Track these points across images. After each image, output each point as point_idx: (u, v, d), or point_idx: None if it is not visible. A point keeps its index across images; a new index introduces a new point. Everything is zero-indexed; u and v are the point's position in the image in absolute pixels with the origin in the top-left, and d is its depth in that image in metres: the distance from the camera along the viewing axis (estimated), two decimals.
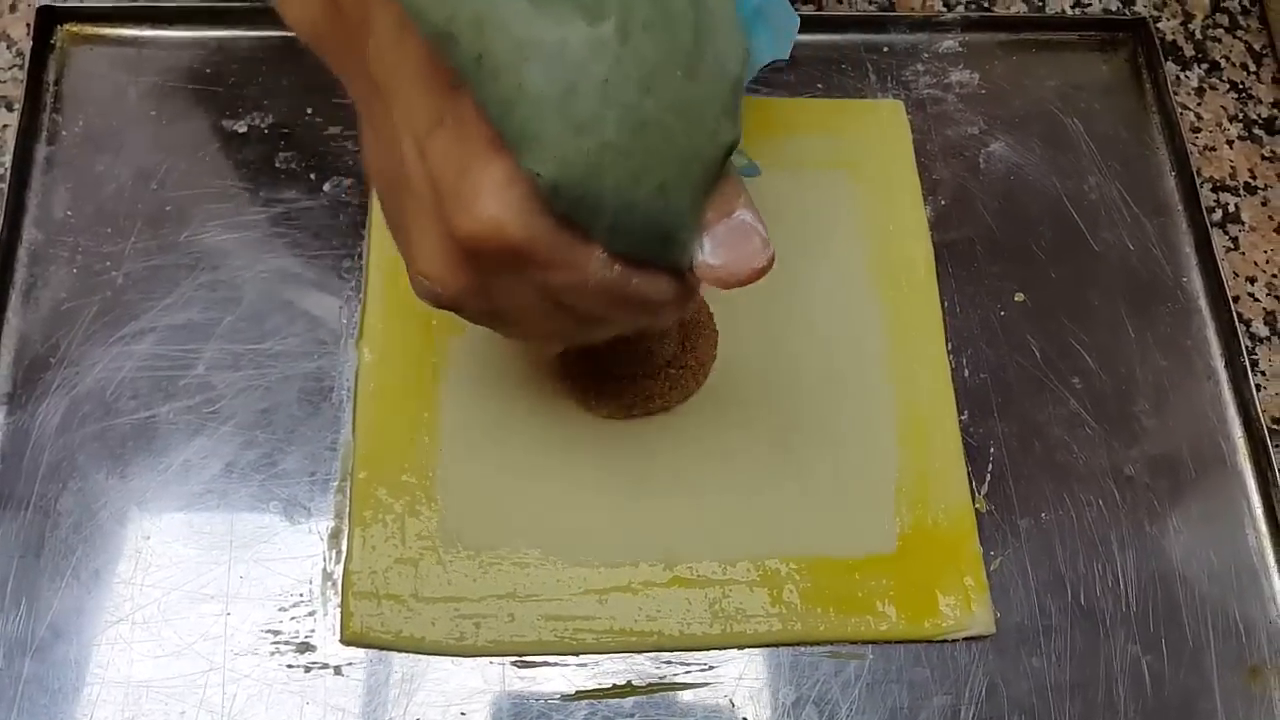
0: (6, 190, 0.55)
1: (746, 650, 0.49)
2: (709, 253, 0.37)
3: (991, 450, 0.54)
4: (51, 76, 0.59)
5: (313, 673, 0.48)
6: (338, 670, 0.48)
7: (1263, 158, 0.64)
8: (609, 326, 0.41)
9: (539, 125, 0.33)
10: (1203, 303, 0.58)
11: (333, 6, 0.39)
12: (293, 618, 0.49)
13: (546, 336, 0.44)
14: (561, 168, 0.33)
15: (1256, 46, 0.67)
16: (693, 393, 0.53)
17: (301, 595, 0.49)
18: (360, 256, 0.55)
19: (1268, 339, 0.59)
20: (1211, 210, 0.62)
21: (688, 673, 0.49)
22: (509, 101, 0.33)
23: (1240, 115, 0.65)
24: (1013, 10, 0.67)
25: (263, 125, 0.58)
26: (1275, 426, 0.57)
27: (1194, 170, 0.61)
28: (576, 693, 0.48)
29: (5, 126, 0.58)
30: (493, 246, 0.35)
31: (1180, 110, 0.64)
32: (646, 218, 0.35)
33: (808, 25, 0.63)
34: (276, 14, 0.43)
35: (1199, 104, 0.65)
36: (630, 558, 0.50)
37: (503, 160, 0.34)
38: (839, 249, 0.57)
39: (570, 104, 0.33)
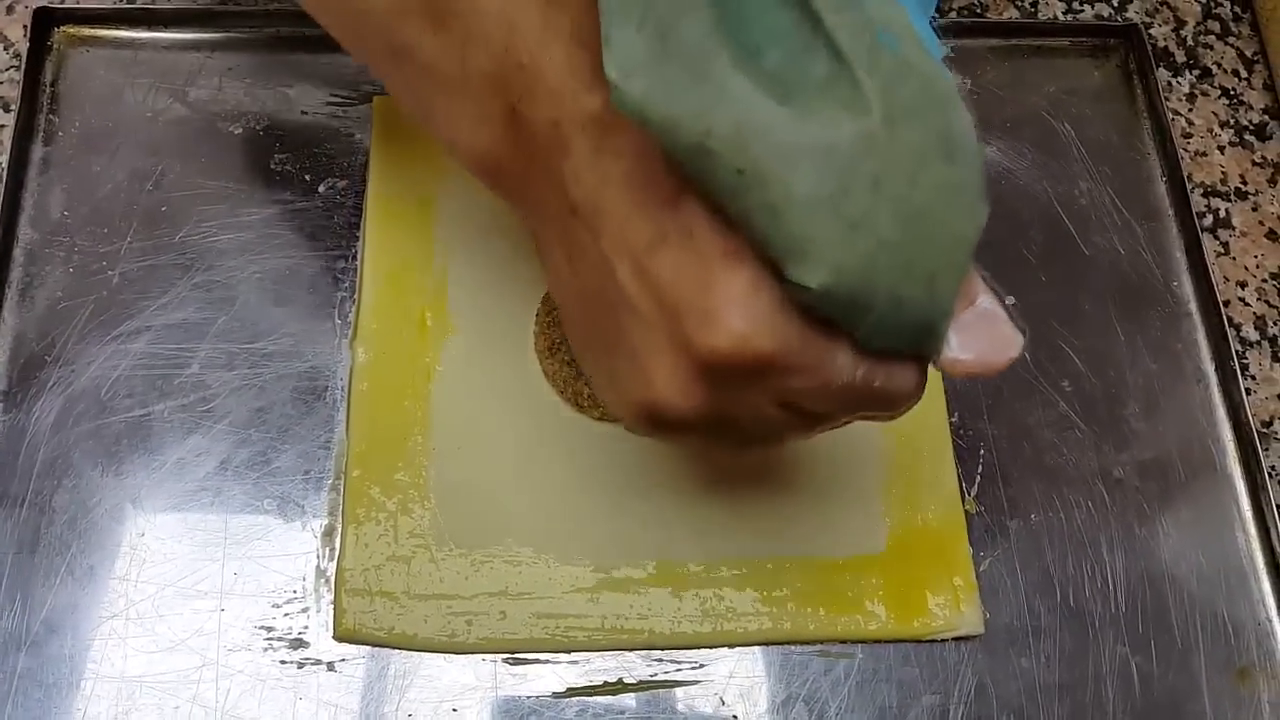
0: (3, 190, 0.55)
1: (737, 649, 0.49)
2: (957, 346, 0.35)
3: (981, 452, 0.54)
4: (48, 77, 0.59)
5: (306, 669, 0.48)
6: (331, 666, 0.48)
7: (1253, 163, 0.64)
8: (836, 424, 0.39)
9: (812, 230, 0.32)
10: (1193, 307, 0.59)
11: (512, 132, 0.38)
12: (286, 614, 0.49)
13: (770, 443, 0.41)
14: (836, 272, 0.32)
15: (1248, 53, 0.68)
16: None
17: (295, 592, 0.49)
18: (354, 257, 0.55)
19: (1257, 343, 0.59)
20: (1202, 215, 0.62)
21: (678, 671, 0.49)
22: (777, 209, 0.32)
23: (1231, 121, 0.65)
24: (1005, 16, 0.67)
25: (258, 127, 0.58)
26: (1264, 430, 0.57)
27: (1185, 175, 0.61)
28: (568, 690, 0.48)
29: (2, 127, 0.58)
30: (741, 360, 0.34)
31: (1171, 116, 0.64)
32: (914, 312, 0.34)
33: None
34: (446, 146, 0.42)
35: (1190, 109, 0.65)
36: (621, 556, 0.50)
37: (744, 270, 0.33)
38: None
39: (843, 205, 0.32)
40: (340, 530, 0.50)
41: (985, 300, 0.36)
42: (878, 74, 0.32)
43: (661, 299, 0.34)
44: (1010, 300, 0.57)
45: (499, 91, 0.38)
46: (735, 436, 0.39)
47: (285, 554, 0.50)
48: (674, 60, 0.32)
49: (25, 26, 0.59)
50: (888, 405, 0.37)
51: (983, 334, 0.36)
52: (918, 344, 0.35)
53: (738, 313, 0.33)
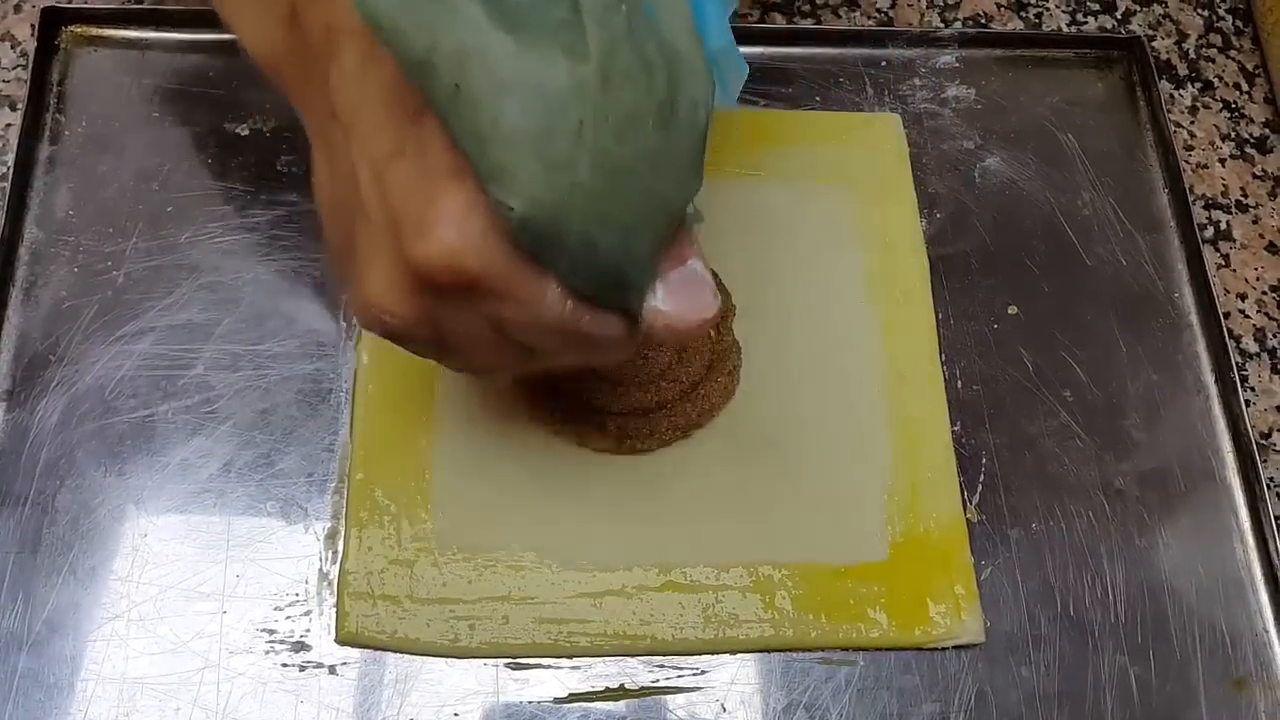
0: (9, 189, 0.55)
1: (738, 655, 0.50)
2: (660, 299, 0.38)
3: (983, 461, 0.54)
4: (55, 77, 0.59)
5: (307, 672, 0.48)
6: (332, 670, 0.48)
7: (1254, 176, 0.65)
8: (554, 360, 0.41)
9: (513, 161, 0.34)
10: (1194, 318, 0.59)
11: (294, 32, 0.39)
12: (288, 617, 0.49)
13: (490, 369, 0.44)
14: (531, 204, 0.34)
15: (1249, 66, 0.68)
16: (688, 433, 0.53)
17: (297, 595, 0.49)
18: None
19: (1257, 355, 0.59)
20: (1203, 227, 0.62)
21: (680, 677, 0.49)
22: (484, 136, 0.33)
23: (1233, 134, 0.66)
24: (1009, 27, 0.67)
25: (264, 129, 0.58)
26: (1264, 442, 0.57)
27: (1186, 187, 0.61)
28: (569, 695, 0.48)
29: (9, 126, 0.58)
30: (448, 274, 0.35)
31: (1174, 128, 0.64)
32: (607, 260, 0.36)
33: (807, 39, 0.64)
34: (232, 33, 0.43)
35: (1192, 122, 0.66)
36: (624, 562, 0.50)
37: (464, 190, 0.35)
38: (835, 260, 0.58)
39: (545, 143, 0.33)
40: (343, 533, 0.50)
41: (695, 263, 0.38)
42: (606, 29, 0.34)
43: (390, 207, 0.35)
44: (1012, 310, 0.58)
45: None
46: (458, 356, 0.40)
47: (288, 556, 0.50)
48: None
49: (33, 26, 0.60)
50: (596, 348, 0.39)
51: (685, 293, 0.38)
52: (617, 294, 0.37)
53: (450, 228, 0.34)
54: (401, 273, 0.36)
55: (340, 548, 0.50)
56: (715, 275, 0.53)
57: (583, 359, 0.41)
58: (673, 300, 0.38)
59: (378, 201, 0.36)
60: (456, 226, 0.34)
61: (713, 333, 0.55)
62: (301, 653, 0.48)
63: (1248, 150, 0.65)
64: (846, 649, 0.50)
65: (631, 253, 0.36)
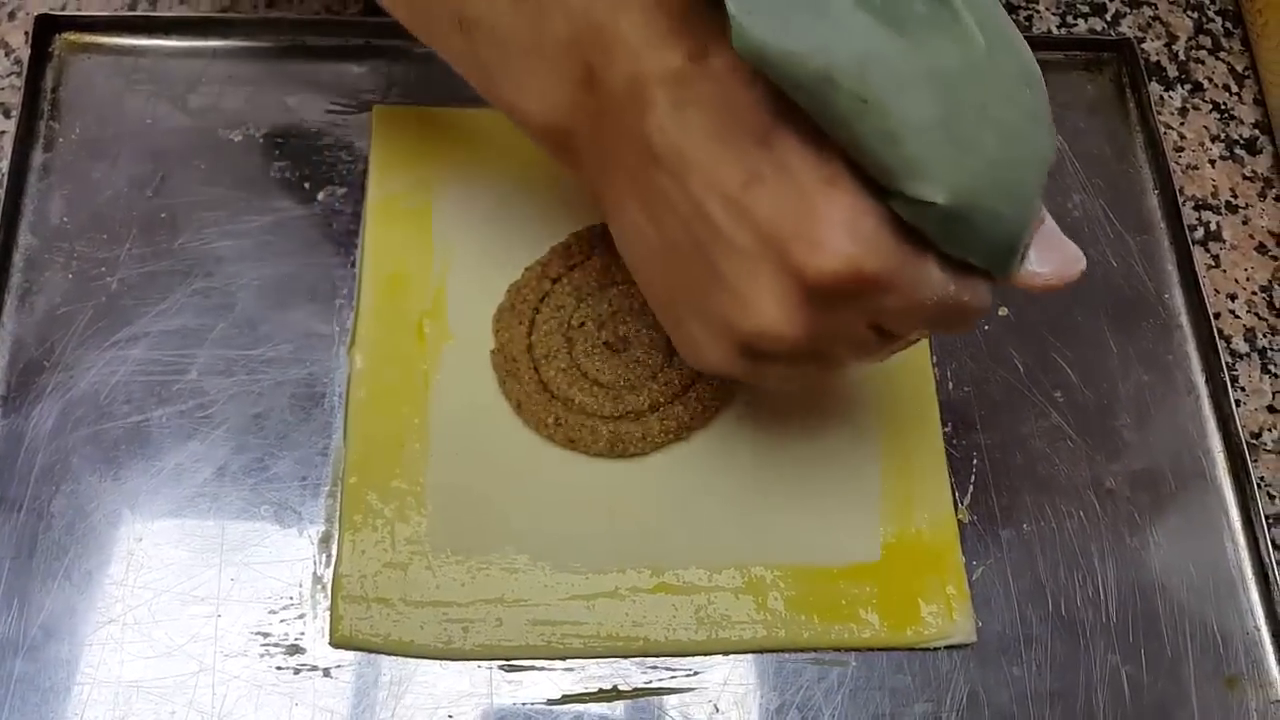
0: (3, 196, 0.55)
1: (731, 656, 0.50)
2: (1035, 260, 0.39)
3: (974, 462, 0.55)
4: (49, 84, 0.59)
5: (302, 674, 0.48)
6: (327, 672, 0.48)
7: (1244, 177, 0.65)
8: (908, 341, 0.42)
9: (929, 153, 0.34)
10: (1184, 319, 0.59)
11: (589, 93, 0.40)
12: (283, 620, 0.49)
13: (842, 365, 0.43)
14: (952, 192, 0.35)
15: (1239, 68, 0.68)
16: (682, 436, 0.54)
17: (291, 598, 0.49)
18: (353, 265, 0.56)
19: (1247, 355, 0.60)
20: (1193, 228, 0.62)
21: (673, 678, 0.49)
22: (897, 136, 0.34)
23: (1222, 135, 0.66)
24: None
25: (257, 135, 0.59)
26: (1254, 441, 0.57)
27: (1176, 188, 0.62)
28: (563, 697, 0.49)
29: (3, 133, 0.58)
30: (850, 280, 0.36)
31: (1163, 129, 0.65)
32: (1011, 229, 0.37)
33: None
34: (511, 114, 0.43)
35: (1182, 123, 0.66)
36: (617, 564, 0.50)
37: (846, 196, 0.35)
38: None
39: (954, 127, 0.34)
40: (337, 537, 0.50)
41: (1049, 220, 0.39)
42: (973, 8, 0.35)
43: (762, 231, 0.36)
44: (1003, 311, 0.58)
45: (576, 54, 0.40)
46: (820, 363, 0.41)
47: (282, 560, 0.50)
48: None
49: (27, 33, 0.60)
50: (964, 319, 0.39)
51: (1055, 250, 0.39)
52: (1003, 259, 0.38)
53: (845, 235, 0.35)
54: (796, 290, 0.37)
55: (334, 551, 0.50)
56: None
57: (939, 332, 0.42)
58: (1046, 259, 0.39)
59: (745, 228, 0.37)
60: (849, 232, 0.35)
61: None
62: (296, 656, 0.48)
63: (1237, 151, 0.65)
64: (839, 649, 0.50)
65: (1024, 215, 0.37)
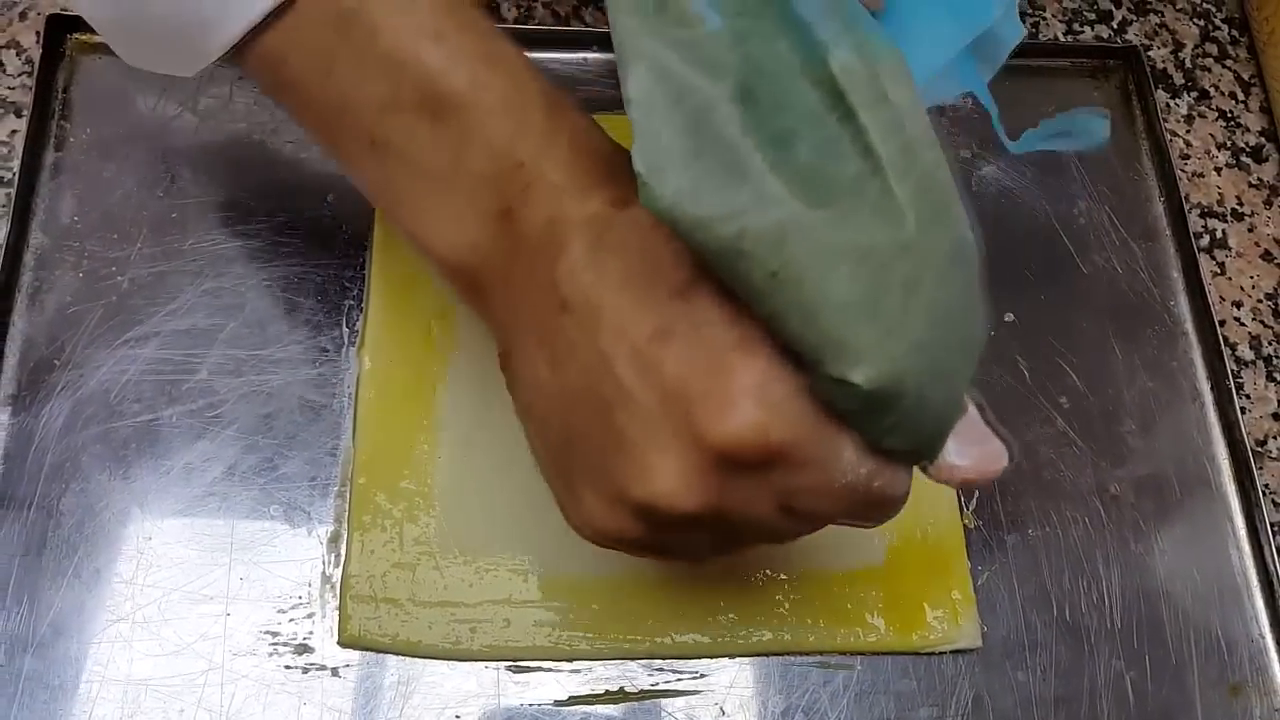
0: (14, 195, 0.55)
1: (737, 659, 0.50)
2: (955, 452, 0.36)
3: None
4: (60, 84, 0.59)
5: (310, 674, 0.48)
6: (335, 672, 0.48)
7: (1250, 185, 0.65)
8: (818, 528, 0.38)
9: (848, 332, 0.32)
10: (1189, 326, 0.59)
11: (504, 230, 0.38)
12: (291, 620, 0.49)
13: (747, 545, 0.41)
14: (876, 375, 0.32)
15: (1245, 76, 0.68)
16: None
17: (300, 598, 0.50)
18: (362, 266, 0.56)
19: (1252, 363, 0.60)
20: (1199, 235, 0.63)
21: (679, 680, 0.49)
22: (812, 311, 0.32)
23: (1228, 143, 0.66)
24: None
25: (268, 135, 0.59)
26: (1258, 449, 0.57)
27: (1182, 196, 0.62)
28: (570, 698, 0.49)
29: (14, 133, 0.59)
30: (757, 449, 0.33)
31: (1170, 137, 0.65)
32: (932, 413, 0.35)
33: None
34: (416, 239, 0.40)
35: (1188, 131, 0.66)
36: (626, 566, 0.50)
37: (758, 360, 0.33)
38: None
39: (879, 307, 0.32)
40: (346, 537, 0.50)
41: (973, 409, 0.37)
42: (909, 179, 0.32)
43: (668, 390, 0.33)
44: (1009, 316, 0.58)
45: (494, 190, 0.38)
46: (718, 540, 0.38)
47: (291, 560, 0.50)
48: (707, 157, 0.32)
49: (38, 33, 0.60)
50: (879, 509, 0.37)
51: (976, 443, 0.36)
52: (925, 446, 0.35)
53: (754, 401, 0.33)
54: (694, 457, 0.34)
55: (343, 551, 0.50)
56: None
57: (855, 521, 0.38)
58: (967, 452, 0.36)
59: (650, 386, 0.34)
60: (759, 398, 0.33)
61: None
62: (304, 655, 0.49)
63: (1243, 159, 0.66)
64: (844, 653, 0.50)
65: (952, 401, 0.35)
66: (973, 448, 0.36)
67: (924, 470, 0.36)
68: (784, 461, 0.34)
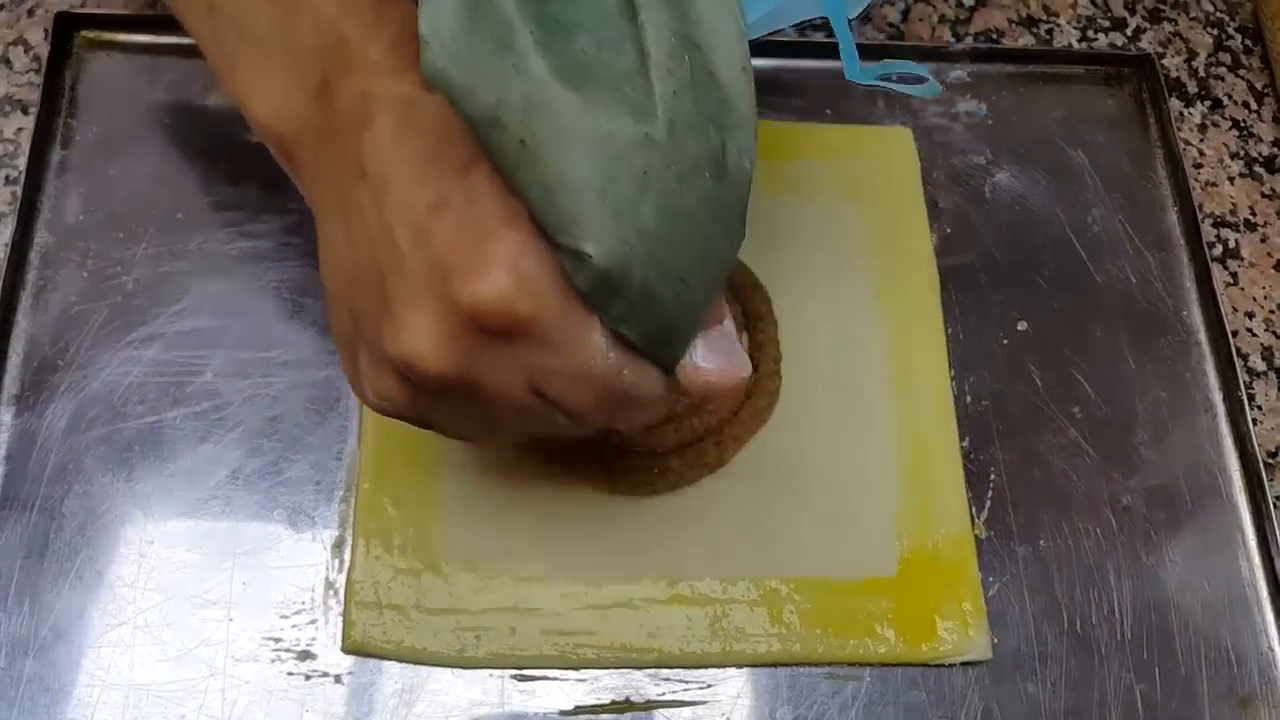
0: (20, 193, 0.55)
1: (745, 669, 0.50)
2: (700, 356, 0.38)
3: (992, 477, 0.54)
4: (67, 81, 0.59)
5: (313, 680, 0.48)
6: (338, 679, 0.48)
7: (1263, 195, 0.65)
8: (582, 422, 0.40)
9: (580, 210, 0.34)
10: (1202, 336, 0.59)
11: (320, 103, 0.39)
12: (294, 625, 0.49)
13: (512, 431, 0.43)
14: (603, 254, 0.34)
15: (1258, 85, 0.68)
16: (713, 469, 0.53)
17: (304, 603, 0.49)
18: None
19: (1265, 374, 0.59)
20: (1212, 245, 0.62)
21: (686, 690, 0.49)
22: (550, 187, 0.34)
23: (1242, 153, 0.66)
24: (1021, 43, 0.67)
25: None
26: (1270, 460, 0.57)
27: (1195, 205, 0.61)
28: (575, 708, 0.48)
29: (20, 130, 0.58)
30: (501, 316, 0.35)
31: (1183, 146, 0.64)
32: (662, 309, 0.36)
33: (816, 52, 0.64)
34: (240, 103, 0.42)
35: (1201, 140, 0.66)
36: (632, 574, 0.50)
37: (517, 234, 0.35)
38: (844, 274, 0.58)
39: (610, 193, 0.34)
40: (350, 542, 0.50)
41: (729, 324, 0.39)
42: (671, 81, 0.36)
43: (433, 258, 0.35)
44: (1022, 325, 0.58)
45: (316, 63, 0.39)
46: (481, 416, 0.40)
47: (295, 565, 0.50)
48: (482, 29, 0.35)
49: (46, 30, 0.60)
50: (629, 407, 0.39)
51: (724, 352, 0.39)
52: (665, 345, 0.38)
53: (505, 271, 0.35)
54: (446, 319, 0.36)
55: (347, 557, 0.50)
56: (770, 305, 0.56)
57: (612, 419, 0.40)
58: (712, 358, 0.39)
59: (420, 253, 0.36)
60: (510, 268, 0.35)
61: None
62: (307, 661, 0.48)
63: (1256, 169, 0.65)
64: (853, 664, 0.50)
65: (684, 303, 0.37)
66: (718, 355, 0.39)
67: (670, 372, 0.39)
68: (530, 336, 0.36)
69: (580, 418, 0.39)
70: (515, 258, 0.35)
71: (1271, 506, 0.54)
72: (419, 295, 0.36)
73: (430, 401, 0.39)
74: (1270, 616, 0.53)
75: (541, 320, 0.35)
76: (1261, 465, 0.55)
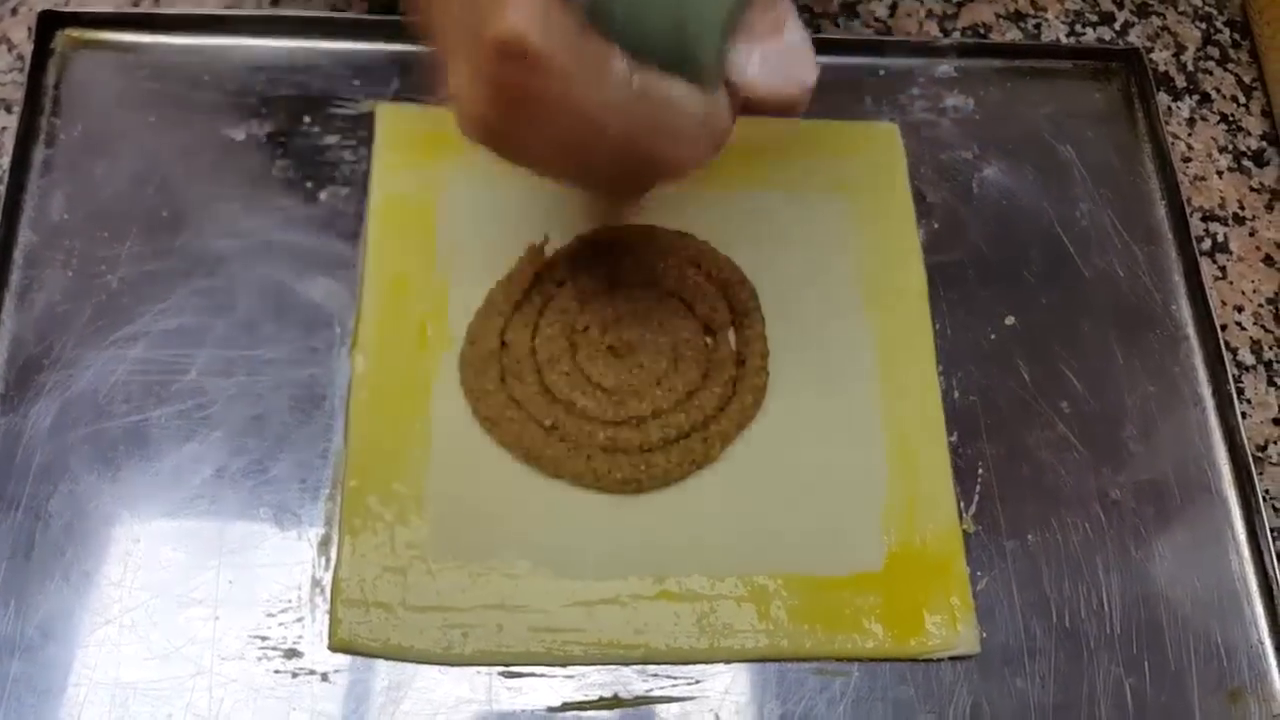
0: (4, 192, 0.55)
1: (733, 665, 0.49)
2: (754, 67, 0.40)
3: (980, 472, 0.54)
4: (51, 80, 0.59)
5: (299, 679, 0.48)
6: (324, 677, 0.48)
7: (1251, 189, 0.65)
8: (641, 159, 0.41)
9: None
10: (1190, 330, 0.59)
11: None
12: (281, 624, 0.49)
13: (580, 171, 0.45)
14: None
15: (1246, 79, 0.68)
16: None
17: (290, 601, 0.49)
18: (355, 266, 0.55)
19: (1253, 367, 0.59)
20: (1200, 239, 0.62)
21: (674, 686, 0.49)
22: None
23: (1230, 146, 0.66)
24: (1008, 37, 0.67)
25: (260, 134, 0.58)
26: (1259, 454, 0.57)
27: (1184, 199, 0.61)
28: (563, 704, 0.48)
29: (4, 129, 0.58)
30: (514, 50, 0.37)
31: (1171, 140, 0.64)
32: (660, 20, 0.38)
33: None
34: None
35: (1190, 134, 0.66)
36: (619, 571, 0.50)
37: None
38: (832, 269, 0.58)
39: None
40: (336, 540, 0.50)
41: (793, 33, 0.40)
42: None
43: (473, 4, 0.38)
44: (1010, 320, 0.58)
45: None
46: (560, 134, 0.41)
47: (281, 563, 0.50)
48: None
49: (29, 28, 0.59)
50: (675, 131, 0.40)
51: (780, 62, 0.40)
52: (676, 55, 0.39)
53: (515, 9, 0.37)
54: (478, 61, 0.38)
55: (333, 554, 0.50)
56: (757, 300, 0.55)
57: (667, 149, 0.41)
58: (766, 69, 0.39)
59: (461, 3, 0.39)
60: (520, 7, 0.37)
61: (708, 340, 0.55)
62: (294, 659, 0.48)
63: (1245, 163, 0.65)
64: (841, 659, 0.50)
65: (687, 9, 0.38)
66: (772, 68, 0.40)
67: (708, 82, 0.39)
68: (552, 69, 0.38)
69: (630, 148, 0.41)
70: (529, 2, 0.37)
71: (1260, 500, 0.54)
72: (460, 41, 0.39)
73: (487, 128, 0.41)
74: (1260, 610, 0.53)
75: (556, 52, 0.38)
76: (1250, 459, 0.55)
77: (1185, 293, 0.60)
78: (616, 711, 0.48)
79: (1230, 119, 0.67)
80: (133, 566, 0.49)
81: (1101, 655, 0.51)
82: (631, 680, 0.49)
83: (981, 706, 0.50)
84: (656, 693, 0.49)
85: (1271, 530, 0.54)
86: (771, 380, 0.54)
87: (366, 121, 0.59)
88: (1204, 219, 0.63)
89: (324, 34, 0.61)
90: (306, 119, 0.59)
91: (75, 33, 0.60)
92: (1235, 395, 0.57)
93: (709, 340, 0.55)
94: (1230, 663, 0.52)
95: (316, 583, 0.49)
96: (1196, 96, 0.67)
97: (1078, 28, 0.68)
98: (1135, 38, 0.68)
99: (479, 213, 0.56)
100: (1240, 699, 0.51)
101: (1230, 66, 0.68)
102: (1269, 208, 0.64)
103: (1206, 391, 0.58)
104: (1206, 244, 0.62)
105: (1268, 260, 0.62)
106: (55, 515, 0.50)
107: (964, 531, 0.53)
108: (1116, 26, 0.69)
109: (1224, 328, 0.59)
